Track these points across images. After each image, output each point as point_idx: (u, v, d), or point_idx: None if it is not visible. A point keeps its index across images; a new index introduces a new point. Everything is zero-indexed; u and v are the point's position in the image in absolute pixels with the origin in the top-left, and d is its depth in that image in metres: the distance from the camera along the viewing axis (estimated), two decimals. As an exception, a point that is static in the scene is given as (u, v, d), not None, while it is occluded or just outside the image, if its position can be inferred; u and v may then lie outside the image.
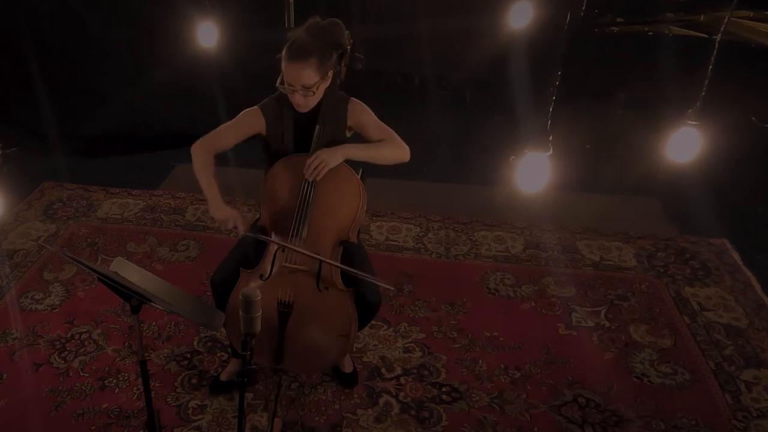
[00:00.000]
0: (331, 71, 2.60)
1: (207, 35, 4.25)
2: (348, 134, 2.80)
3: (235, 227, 2.66)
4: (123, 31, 5.10)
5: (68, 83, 5.23)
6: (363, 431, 2.86)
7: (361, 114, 2.75)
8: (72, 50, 5.14)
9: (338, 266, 2.64)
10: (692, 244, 4.05)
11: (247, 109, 2.75)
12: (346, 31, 2.64)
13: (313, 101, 2.61)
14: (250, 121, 2.73)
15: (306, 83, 2.51)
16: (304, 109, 2.63)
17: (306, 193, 2.63)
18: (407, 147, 2.74)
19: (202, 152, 2.72)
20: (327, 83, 2.61)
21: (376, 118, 2.76)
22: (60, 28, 5.10)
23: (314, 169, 2.59)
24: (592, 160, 5.02)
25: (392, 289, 3.08)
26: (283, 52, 2.51)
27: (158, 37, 4.97)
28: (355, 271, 2.59)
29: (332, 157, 2.61)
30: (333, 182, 2.66)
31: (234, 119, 2.76)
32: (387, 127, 2.76)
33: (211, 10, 4.23)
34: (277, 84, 2.59)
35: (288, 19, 4.44)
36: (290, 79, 2.52)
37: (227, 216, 2.67)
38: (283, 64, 2.52)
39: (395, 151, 2.73)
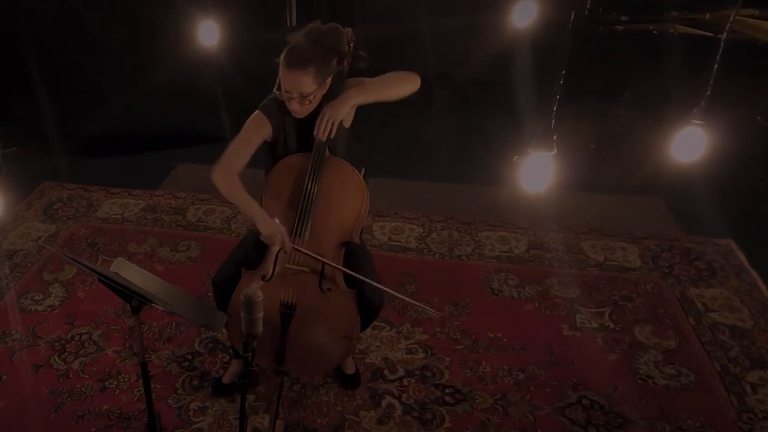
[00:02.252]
0: (329, 78, 2.56)
1: (208, 35, 4.23)
2: (348, 123, 2.76)
3: (283, 243, 2.59)
4: (123, 31, 5.09)
5: (68, 83, 5.23)
6: (365, 433, 2.84)
7: (346, 97, 2.64)
8: (72, 50, 5.13)
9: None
10: (697, 244, 4.03)
11: (252, 118, 2.69)
12: (349, 29, 2.61)
13: (309, 109, 2.58)
14: (258, 131, 2.68)
15: (304, 91, 2.48)
16: (300, 116, 2.60)
17: (309, 192, 2.60)
18: (415, 74, 2.66)
19: (225, 177, 2.64)
20: (324, 90, 2.57)
21: (372, 78, 2.68)
22: (60, 27, 5.10)
23: (324, 128, 2.55)
24: (597, 160, 5.00)
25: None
26: (282, 58, 2.47)
27: (158, 36, 4.95)
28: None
29: (339, 111, 2.56)
30: (336, 181, 2.65)
31: (243, 133, 2.68)
32: (387, 74, 2.68)
33: (211, 9, 4.20)
34: (275, 90, 2.56)
35: (290, 19, 4.42)
36: (288, 86, 2.49)
37: (276, 231, 2.58)
38: (281, 71, 2.48)
39: (402, 82, 2.65)
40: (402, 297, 2.97)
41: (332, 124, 2.57)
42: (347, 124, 2.74)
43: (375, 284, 2.60)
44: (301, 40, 2.48)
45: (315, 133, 2.59)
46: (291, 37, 2.51)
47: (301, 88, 2.47)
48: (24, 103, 5.26)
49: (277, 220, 2.65)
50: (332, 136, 2.59)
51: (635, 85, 5.32)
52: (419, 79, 2.67)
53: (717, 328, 3.37)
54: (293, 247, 2.59)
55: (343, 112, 2.58)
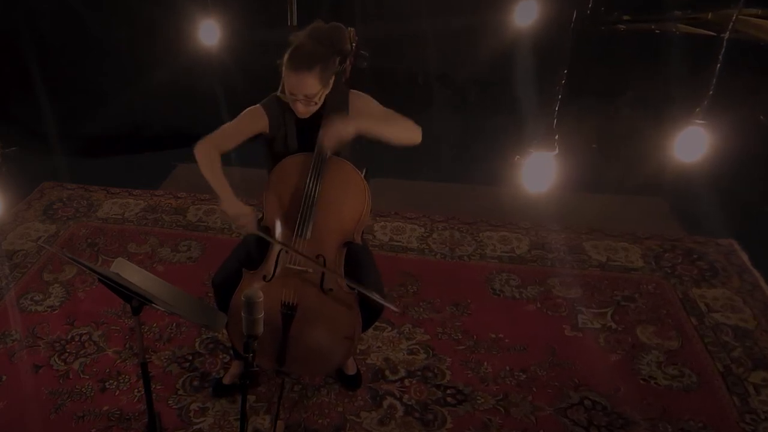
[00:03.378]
0: (333, 78, 2.55)
1: (208, 34, 4.22)
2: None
3: (248, 224, 2.60)
4: (123, 31, 5.08)
5: (68, 82, 5.22)
6: (367, 434, 2.84)
7: (364, 104, 2.67)
8: (72, 50, 5.12)
9: (341, 277, 2.62)
10: (700, 244, 4.01)
11: (250, 108, 2.69)
12: (351, 29, 2.60)
13: (314, 109, 2.57)
14: (253, 121, 2.67)
15: (309, 92, 2.46)
16: (305, 116, 2.58)
17: (311, 191, 2.59)
18: (419, 128, 2.63)
19: (206, 150, 2.63)
20: (328, 89, 2.56)
21: (379, 105, 2.68)
22: (60, 27, 5.09)
23: (328, 142, 2.53)
24: (598, 160, 4.99)
25: (396, 310, 3.02)
26: (285, 60, 2.44)
27: (159, 36, 4.95)
28: (363, 289, 2.55)
29: (345, 128, 2.52)
30: (338, 180, 2.63)
31: (236, 119, 2.69)
32: (393, 111, 2.66)
33: (212, 8, 4.20)
34: (278, 93, 2.55)
35: (291, 18, 4.41)
36: (292, 88, 2.46)
37: (241, 212, 2.59)
38: (285, 73, 2.46)
39: (407, 130, 2.62)
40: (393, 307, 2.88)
41: (338, 142, 2.54)
42: None
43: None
44: (305, 41, 2.46)
45: (320, 141, 2.57)
46: (293, 38, 2.49)
47: (306, 89, 2.45)
48: (24, 102, 5.25)
49: (277, 222, 2.64)
50: (330, 148, 2.57)
51: (637, 84, 5.32)
52: (420, 135, 2.64)
53: (719, 329, 3.36)
54: (297, 251, 2.57)
55: (348, 132, 2.53)
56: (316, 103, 2.52)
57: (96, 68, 5.21)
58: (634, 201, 4.58)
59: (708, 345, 3.26)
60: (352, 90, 2.69)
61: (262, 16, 5.09)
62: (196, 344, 3.33)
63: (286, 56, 2.44)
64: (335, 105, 2.62)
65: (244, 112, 2.69)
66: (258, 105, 2.68)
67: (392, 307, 2.71)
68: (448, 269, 3.87)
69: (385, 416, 2.91)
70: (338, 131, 2.51)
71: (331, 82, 2.54)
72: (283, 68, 2.46)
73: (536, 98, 4.72)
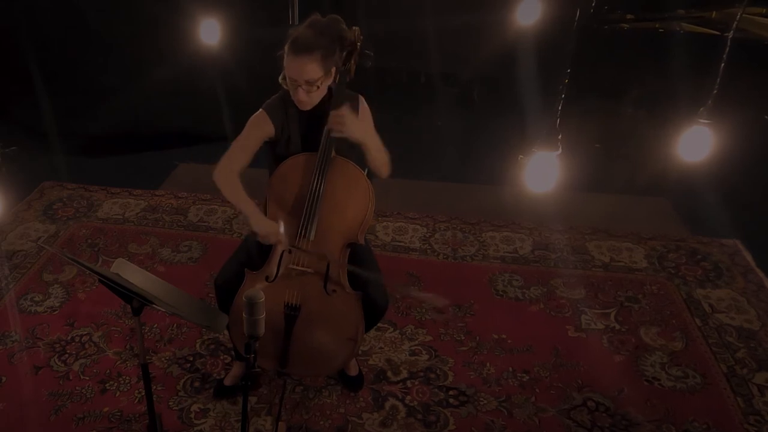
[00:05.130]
0: (335, 68, 2.54)
1: (210, 32, 4.20)
2: None
3: (278, 242, 2.59)
4: (124, 29, 5.07)
5: (68, 81, 5.21)
6: (369, 436, 2.82)
7: (368, 117, 2.71)
8: (73, 47, 5.12)
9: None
10: (704, 245, 4.01)
11: (254, 117, 2.66)
12: (356, 28, 2.59)
13: (316, 98, 2.55)
14: (260, 131, 2.65)
15: (310, 78, 2.45)
16: (307, 107, 2.57)
17: (315, 191, 2.57)
18: (389, 166, 2.70)
19: (225, 177, 2.62)
20: (330, 80, 2.55)
21: (376, 137, 2.68)
22: (60, 24, 5.08)
23: (336, 124, 2.51)
24: (602, 160, 4.99)
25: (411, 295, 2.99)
26: (286, 47, 2.45)
27: (160, 34, 4.93)
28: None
29: (353, 128, 2.52)
30: (342, 181, 2.62)
31: (244, 133, 2.66)
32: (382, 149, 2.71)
33: (213, 6, 4.18)
34: (280, 80, 2.54)
35: (292, 16, 4.39)
36: (293, 74, 2.46)
37: (272, 230, 2.57)
38: (287, 60, 2.45)
39: (385, 164, 2.68)
40: (415, 294, 2.90)
41: (344, 125, 2.51)
42: None
43: (380, 284, 2.58)
44: (305, 30, 2.47)
45: (329, 117, 2.54)
46: (294, 30, 2.49)
47: (307, 74, 2.43)
48: (24, 101, 5.25)
49: (281, 224, 2.63)
50: (335, 130, 2.55)
51: (641, 84, 5.32)
52: (387, 174, 2.70)
53: (724, 330, 3.35)
54: (298, 248, 2.56)
55: (354, 135, 2.53)
56: (318, 87, 2.49)
57: (96, 67, 5.21)
58: (637, 201, 4.57)
59: (712, 346, 3.25)
60: (362, 98, 2.70)
61: (263, 15, 5.08)
62: (197, 345, 3.32)
63: (287, 45, 2.44)
64: (343, 104, 2.61)
65: (250, 122, 2.66)
66: (261, 111, 2.66)
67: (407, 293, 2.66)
68: (451, 270, 3.86)
69: (387, 418, 2.90)
70: (349, 126, 2.50)
71: (333, 71, 2.53)
72: (285, 56, 2.45)
73: (539, 97, 4.73)
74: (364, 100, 2.72)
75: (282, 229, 2.64)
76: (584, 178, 4.40)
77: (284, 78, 2.51)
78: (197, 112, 5.14)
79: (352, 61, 2.61)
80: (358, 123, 2.56)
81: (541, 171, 2.90)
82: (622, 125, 5.41)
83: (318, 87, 2.49)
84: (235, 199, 2.62)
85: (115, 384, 3.09)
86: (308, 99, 2.53)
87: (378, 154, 2.63)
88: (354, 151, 2.72)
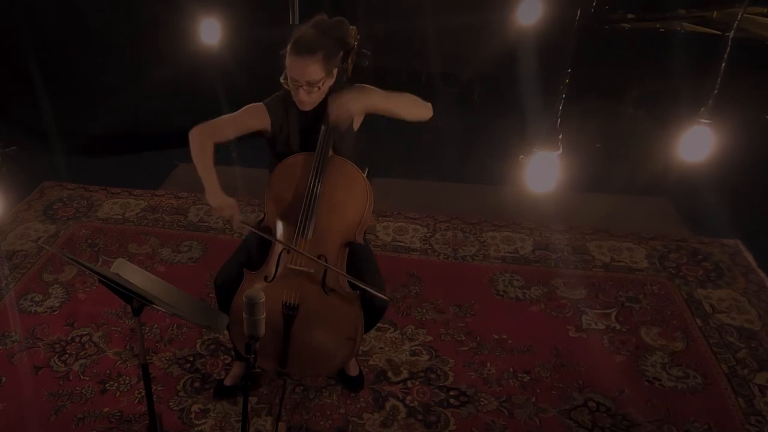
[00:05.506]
0: (336, 69, 2.53)
1: (210, 32, 4.20)
2: (356, 126, 2.73)
3: (231, 217, 2.60)
4: (124, 29, 5.07)
5: (68, 81, 5.20)
6: (369, 436, 2.82)
7: (366, 92, 2.62)
8: (73, 47, 5.11)
9: (343, 274, 2.60)
10: (705, 245, 4.00)
11: (252, 105, 2.67)
12: (353, 27, 2.59)
13: (317, 98, 2.55)
14: (253, 117, 2.65)
15: (312, 78, 2.44)
16: (307, 107, 2.56)
17: (312, 190, 2.57)
18: (428, 103, 2.64)
19: (201, 137, 2.62)
20: (332, 81, 2.54)
21: (381, 90, 2.64)
22: (60, 24, 5.08)
23: (336, 114, 2.52)
24: (603, 160, 4.99)
25: (386, 299, 2.92)
26: (289, 47, 2.44)
27: (160, 33, 4.93)
28: (358, 281, 2.53)
29: (354, 102, 2.52)
30: (339, 181, 2.62)
31: (237, 112, 2.67)
32: (398, 92, 2.66)
33: (213, 6, 4.18)
34: (281, 80, 2.53)
35: (293, 16, 4.39)
36: (295, 74, 2.45)
37: (224, 204, 2.59)
38: (289, 59, 2.44)
39: (416, 105, 2.63)
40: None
41: (347, 111, 2.52)
42: (356, 126, 2.72)
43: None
44: (308, 30, 2.46)
45: (327, 111, 2.54)
46: (298, 29, 2.48)
47: (309, 75, 2.43)
48: (24, 101, 5.24)
49: (279, 222, 2.62)
50: (341, 125, 2.55)
51: (642, 83, 5.32)
52: (431, 111, 2.66)
53: (724, 330, 3.35)
54: (298, 251, 2.56)
55: (357, 107, 2.54)
56: (319, 89, 2.49)
57: (96, 67, 5.20)
58: (638, 201, 4.57)
59: (713, 346, 3.25)
60: (356, 84, 2.65)
61: (264, 14, 5.08)
62: (197, 345, 3.31)
63: (289, 44, 2.43)
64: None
65: (246, 106, 2.67)
66: (261, 103, 2.66)
67: (382, 296, 2.63)
68: (452, 270, 3.85)
69: (387, 418, 2.89)
70: (346, 103, 2.50)
71: (335, 73, 2.52)
72: (287, 55, 2.44)
73: (540, 97, 4.72)
74: (359, 85, 2.64)
75: (281, 229, 2.64)
76: (585, 178, 4.40)
77: (285, 78, 2.50)
78: (197, 112, 5.05)
79: (350, 61, 2.60)
80: (353, 97, 2.53)
81: (542, 171, 2.89)
82: (622, 125, 5.41)
83: (319, 88, 2.48)
84: (201, 164, 2.61)
85: (116, 384, 3.09)
86: (309, 99, 2.53)
87: (401, 105, 2.62)
88: (354, 151, 2.72)
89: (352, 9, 5.25)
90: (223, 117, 2.67)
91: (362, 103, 2.56)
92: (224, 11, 4.22)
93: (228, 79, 4.99)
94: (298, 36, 2.43)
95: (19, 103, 5.32)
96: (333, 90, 2.58)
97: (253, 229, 2.61)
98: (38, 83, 5.01)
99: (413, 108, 2.64)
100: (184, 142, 2.65)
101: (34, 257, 3.98)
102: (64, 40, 5.10)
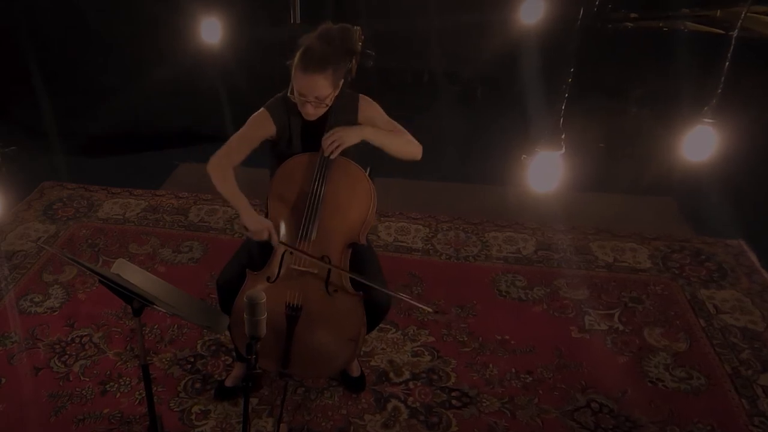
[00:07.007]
0: (342, 79, 2.52)
1: (210, 31, 4.19)
2: None
3: (270, 238, 2.60)
4: (124, 29, 5.07)
5: (68, 80, 5.21)
6: (371, 438, 2.81)
7: (371, 110, 2.68)
8: (73, 47, 5.12)
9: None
10: (708, 245, 3.99)
11: (256, 115, 2.65)
12: (357, 28, 2.57)
13: (322, 111, 2.54)
14: (260, 128, 2.65)
15: (320, 94, 2.44)
16: (313, 118, 2.56)
17: (316, 191, 2.56)
18: (420, 145, 2.68)
19: (220, 167, 2.62)
20: (338, 92, 2.53)
21: (385, 114, 2.70)
22: (60, 24, 5.08)
23: (330, 145, 2.52)
24: (606, 159, 4.97)
25: (393, 294, 2.96)
26: (296, 61, 2.41)
27: (161, 33, 4.93)
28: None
29: (349, 136, 2.54)
30: (343, 180, 2.61)
31: (244, 129, 2.66)
32: (398, 124, 2.70)
33: (214, 6, 4.17)
34: (288, 94, 2.51)
35: (294, 16, 4.39)
36: (304, 90, 2.44)
37: (262, 227, 2.58)
38: (296, 75, 2.43)
39: (409, 145, 2.67)
40: (407, 298, 2.92)
41: (340, 147, 2.54)
42: None
43: (379, 287, 2.56)
44: (315, 43, 2.42)
45: (322, 145, 2.55)
46: (303, 40, 2.46)
47: (317, 91, 2.42)
48: (24, 101, 5.25)
49: (281, 222, 2.61)
50: (333, 156, 2.56)
51: (645, 83, 5.32)
52: (421, 152, 2.70)
53: (728, 330, 3.34)
54: (298, 250, 2.54)
55: (352, 141, 2.56)
56: (326, 105, 2.49)
57: (96, 67, 5.21)
58: (641, 201, 4.56)
59: (716, 347, 3.24)
60: (361, 95, 2.68)
61: (265, 14, 5.08)
62: (198, 346, 3.30)
63: (296, 58, 2.41)
64: (343, 108, 2.60)
65: (251, 119, 2.66)
66: (263, 109, 2.65)
67: (398, 294, 2.66)
68: (453, 270, 3.84)
69: (389, 419, 2.88)
70: (341, 138, 2.52)
71: (341, 83, 2.51)
72: (294, 70, 2.43)
73: (543, 97, 4.71)
74: (366, 97, 2.69)
75: (283, 230, 2.63)
76: (587, 178, 4.39)
77: (292, 91, 2.48)
78: (197, 112, 5.13)
79: (354, 62, 2.59)
80: (351, 129, 2.56)
81: (545, 171, 2.88)
82: (625, 125, 5.41)
83: (326, 105, 2.50)
84: (227, 193, 2.63)
85: (116, 385, 3.08)
86: (316, 112, 2.53)
87: (395, 144, 2.64)
88: (356, 151, 2.70)
89: (354, 8, 5.25)
90: (233, 139, 2.66)
91: (358, 138, 2.57)
92: (224, 11, 4.21)
93: (228, 79, 4.99)
94: (304, 50, 2.41)
95: (19, 103, 5.32)
96: (338, 97, 2.56)
97: (291, 248, 2.57)
98: (38, 83, 5.01)
99: (405, 148, 2.67)
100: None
101: (34, 257, 3.97)
102: (64, 40, 5.11)
